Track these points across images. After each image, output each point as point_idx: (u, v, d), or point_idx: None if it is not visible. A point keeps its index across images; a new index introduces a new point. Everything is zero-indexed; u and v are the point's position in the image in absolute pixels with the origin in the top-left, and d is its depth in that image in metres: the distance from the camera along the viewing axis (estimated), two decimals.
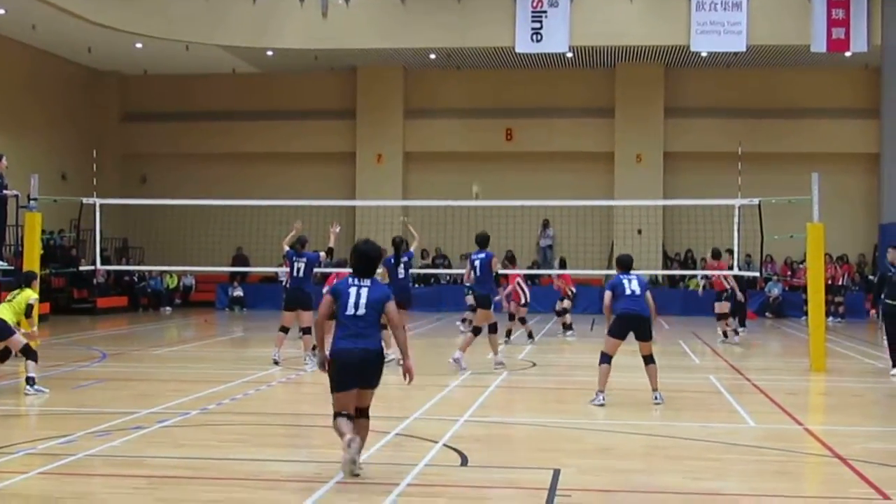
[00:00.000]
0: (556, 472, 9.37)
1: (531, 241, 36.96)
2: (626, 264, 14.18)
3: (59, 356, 19.13)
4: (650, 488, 8.97)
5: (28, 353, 14.31)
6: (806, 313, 24.58)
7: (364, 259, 9.52)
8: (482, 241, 18.12)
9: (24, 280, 15.20)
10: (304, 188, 35.62)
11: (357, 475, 8.99)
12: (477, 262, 17.93)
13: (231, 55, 36.51)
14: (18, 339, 14.28)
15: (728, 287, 23.47)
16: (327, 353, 9.32)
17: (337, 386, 9.19)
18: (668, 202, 34.20)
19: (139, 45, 35.17)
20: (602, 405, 13.46)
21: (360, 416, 9.32)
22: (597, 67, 37.99)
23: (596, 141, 38.05)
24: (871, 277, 34.97)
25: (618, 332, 13.79)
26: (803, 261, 21.08)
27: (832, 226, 24.65)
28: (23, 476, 9.13)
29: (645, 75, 37.65)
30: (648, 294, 13.85)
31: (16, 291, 14.86)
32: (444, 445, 10.66)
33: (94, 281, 34.31)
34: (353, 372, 9.14)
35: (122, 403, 13.54)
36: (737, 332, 24.20)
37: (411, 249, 19.21)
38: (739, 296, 24.16)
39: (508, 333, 23.42)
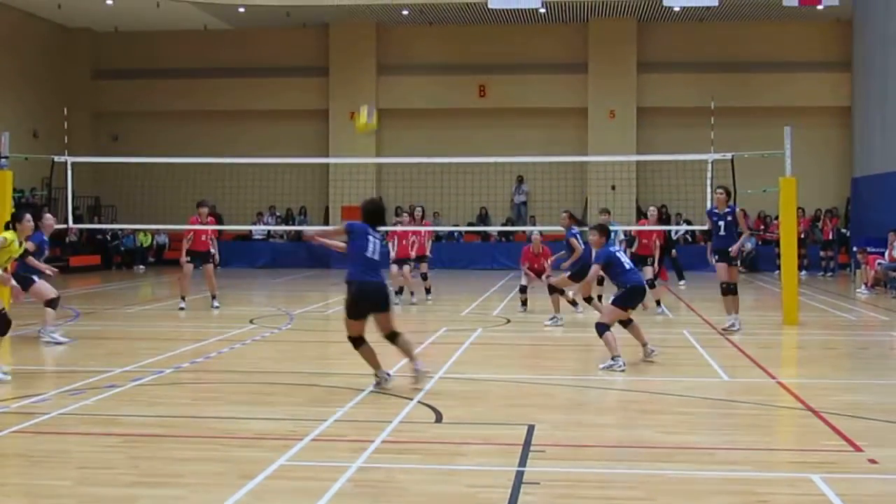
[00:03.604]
0: (531, 428, 9.41)
1: (505, 198, 36.97)
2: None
3: (32, 314, 19.01)
4: (624, 442, 9.03)
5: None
6: (779, 267, 24.73)
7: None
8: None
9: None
10: (278, 146, 35.64)
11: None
12: (721, 223, 17.55)
13: (202, 11, 36.21)
14: None
15: None
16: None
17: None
18: (642, 157, 34.15)
19: (109, 2, 34.90)
20: (623, 370, 12.84)
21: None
22: (570, 22, 37.89)
23: (569, 97, 38.03)
24: (843, 230, 35.14)
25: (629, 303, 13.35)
26: (776, 217, 21.10)
27: (805, 180, 24.77)
28: None
29: (618, 30, 37.60)
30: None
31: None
32: (419, 402, 10.69)
33: (67, 239, 34.13)
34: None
35: (95, 362, 13.52)
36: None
37: None
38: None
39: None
